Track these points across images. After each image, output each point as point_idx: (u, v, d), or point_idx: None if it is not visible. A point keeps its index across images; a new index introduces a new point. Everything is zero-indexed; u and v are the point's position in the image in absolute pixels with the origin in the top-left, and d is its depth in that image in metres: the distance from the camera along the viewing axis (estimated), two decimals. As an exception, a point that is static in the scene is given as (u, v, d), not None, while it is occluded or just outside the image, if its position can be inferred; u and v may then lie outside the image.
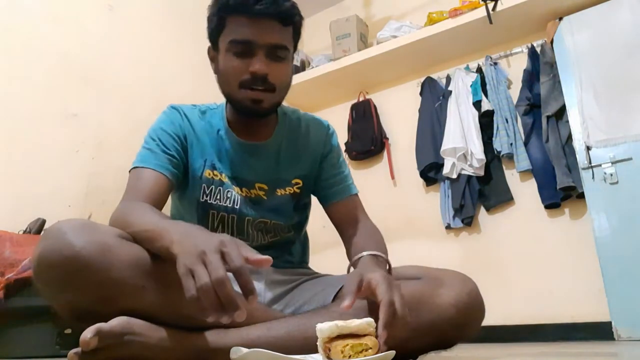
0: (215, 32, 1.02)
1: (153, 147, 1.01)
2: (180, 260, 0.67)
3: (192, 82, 2.65)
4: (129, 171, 1.00)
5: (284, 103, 1.13)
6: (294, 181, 1.11)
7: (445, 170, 2.69)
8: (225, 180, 1.05)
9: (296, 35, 1.05)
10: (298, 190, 1.12)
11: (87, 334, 0.68)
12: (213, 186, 1.05)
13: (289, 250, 1.14)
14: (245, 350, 0.72)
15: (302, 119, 1.17)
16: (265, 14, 0.96)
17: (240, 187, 1.06)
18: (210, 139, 1.07)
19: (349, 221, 1.11)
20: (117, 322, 0.72)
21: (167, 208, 1.08)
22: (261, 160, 1.08)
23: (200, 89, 2.83)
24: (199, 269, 0.64)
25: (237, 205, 1.05)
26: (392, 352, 0.74)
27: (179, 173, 1.02)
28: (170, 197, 1.05)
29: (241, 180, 1.06)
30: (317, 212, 1.21)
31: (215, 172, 1.05)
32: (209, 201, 1.04)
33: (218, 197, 1.04)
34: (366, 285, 0.78)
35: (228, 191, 1.05)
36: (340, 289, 0.97)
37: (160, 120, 1.07)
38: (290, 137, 1.12)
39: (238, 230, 1.05)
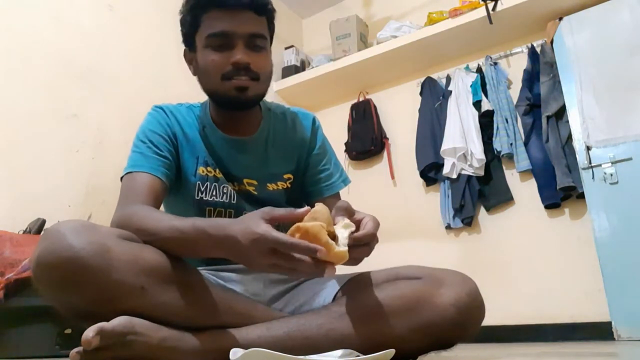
0: (190, 32, 1.03)
1: (144, 150, 1.00)
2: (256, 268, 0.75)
3: (192, 82, 2.64)
4: (121, 178, 0.99)
5: (269, 99, 1.12)
6: (285, 176, 1.11)
7: (445, 170, 2.69)
8: (220, 175, 1.05)
9: (270, 25, 1.05)
10: (290, 186, 1.11)
11: (89, 333, 0.68)
12: (208, 183, 1.04)
13: None
14: (244, 351, 0.72)
15: (287, 112, 1.16)
16: (240, 5, 0.97)
17: (232, 182, 1.06)
18: (198, 135, 1.06)
19: None
20: (119, 322, 0.72)
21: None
22: (248, 156, 1.08)
23: (200, 89, 2.83)
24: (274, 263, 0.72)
25: (234, 200, 1.04)
26: (392, 351, 0.74)
27: (172, 175, 1.02)
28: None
29: (230, 175, 1.06)
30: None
31: (209, 168, 1.04)
32: (204, 198, 1.03)
33: (214, 194, 1.04)
34: (356, 218, 0.81)
35: (224, 187, 1.04)
36: (341, 288, 0.97)
37: (148, 122, 1.06)
38: (276, 132, 1.12)
39: None
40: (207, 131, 1.07)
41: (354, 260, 0.76)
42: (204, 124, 1.08)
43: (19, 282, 1.48)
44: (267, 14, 1.03)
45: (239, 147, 1.07)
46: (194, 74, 1.06)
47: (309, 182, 1.14)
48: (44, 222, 1.78)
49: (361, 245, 0.76)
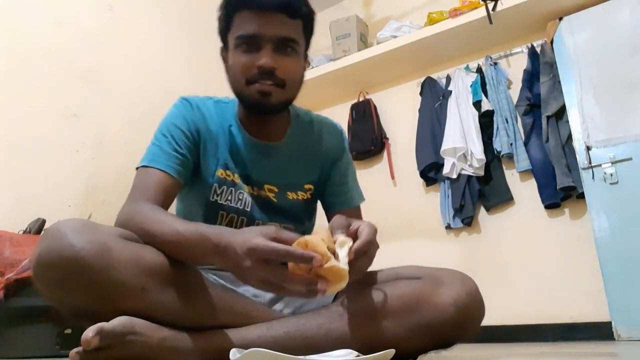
0: (224, 31, 1.01)
1: (164, 144, 0.98)
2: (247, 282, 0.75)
3: (193, 82, 2.65)
4: (137, 168, 0.98)
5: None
6: (306, 186, 1.10)
7: (445, 170, 2.69)
8: (238, 181, 1.03)
9: (307, 29, 1.02)
10: (310, 196, 1.11)
11: (89, 333, 0.68)
12: (225, 186, 1.02)
13: None
14: (244, 351, 0.72)
15: (315, 121, 1.15)
16: (271, 6, 0.94)
17: (251, 186, 1.04)
18: (223, 134, 1.04)
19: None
20: (118, 322, 0.72)
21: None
22: (272, 162, 1.06)
23: (201, 88, 2.84)
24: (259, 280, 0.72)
25: (248, 207, 1.03)
26: (392, 351, 0.74)
27: (188, 173, 1.00)
28: None
29: (251, 180, 1.05)
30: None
31: (228, 171, 1.03)
32: (219, 201, 1.02)
33: (229, 198, 1.02)
34: (353, 228, 0.80)
35: (240, 192, 1.03)
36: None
37: (173, 115, 1.03)
38: (303, 140, 1.10)
39: None
40: (233, 131, 1.05)
41: (358, 272, 0.76)
42: (230, 122, 1.06)
43: (19, 282, 1.48)
44: (302, 17, 0.98)
45: (264, 151, 1.05)
46: (226, 72, 1.03)
47: (329, 193, 1.14)
48: (44, 222, 1.79)
49: (360, 256, 0.75)
